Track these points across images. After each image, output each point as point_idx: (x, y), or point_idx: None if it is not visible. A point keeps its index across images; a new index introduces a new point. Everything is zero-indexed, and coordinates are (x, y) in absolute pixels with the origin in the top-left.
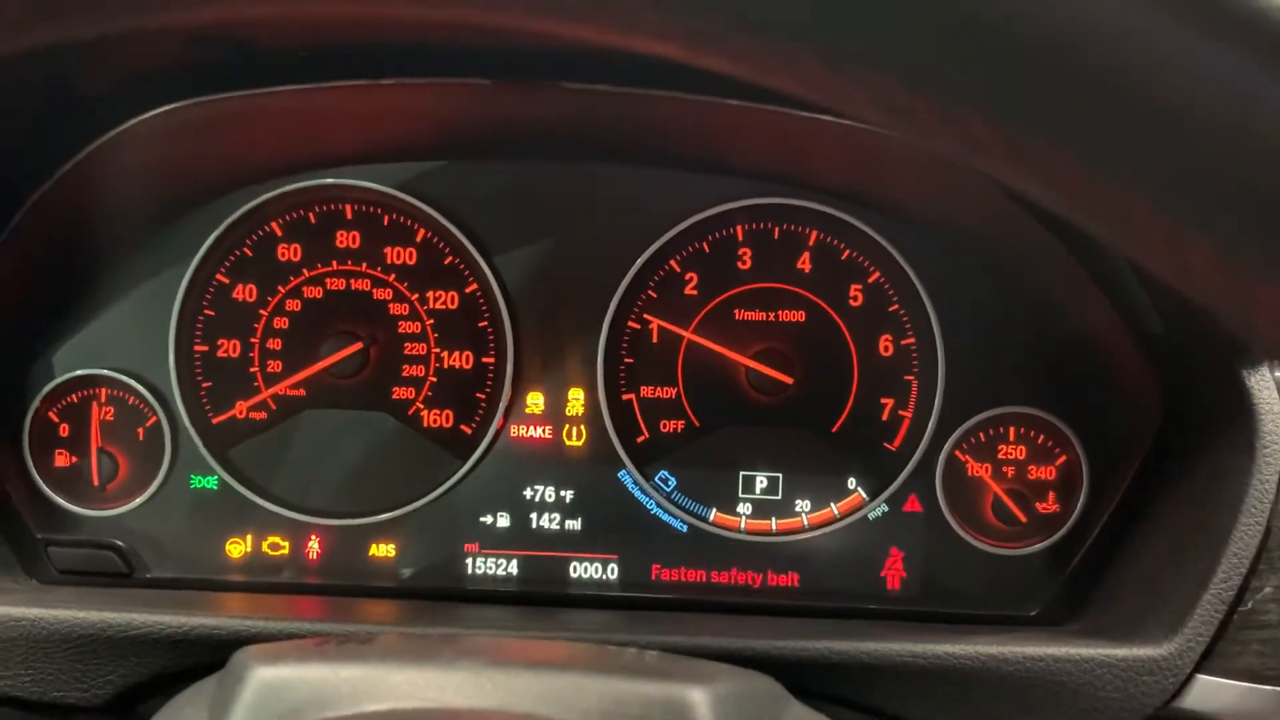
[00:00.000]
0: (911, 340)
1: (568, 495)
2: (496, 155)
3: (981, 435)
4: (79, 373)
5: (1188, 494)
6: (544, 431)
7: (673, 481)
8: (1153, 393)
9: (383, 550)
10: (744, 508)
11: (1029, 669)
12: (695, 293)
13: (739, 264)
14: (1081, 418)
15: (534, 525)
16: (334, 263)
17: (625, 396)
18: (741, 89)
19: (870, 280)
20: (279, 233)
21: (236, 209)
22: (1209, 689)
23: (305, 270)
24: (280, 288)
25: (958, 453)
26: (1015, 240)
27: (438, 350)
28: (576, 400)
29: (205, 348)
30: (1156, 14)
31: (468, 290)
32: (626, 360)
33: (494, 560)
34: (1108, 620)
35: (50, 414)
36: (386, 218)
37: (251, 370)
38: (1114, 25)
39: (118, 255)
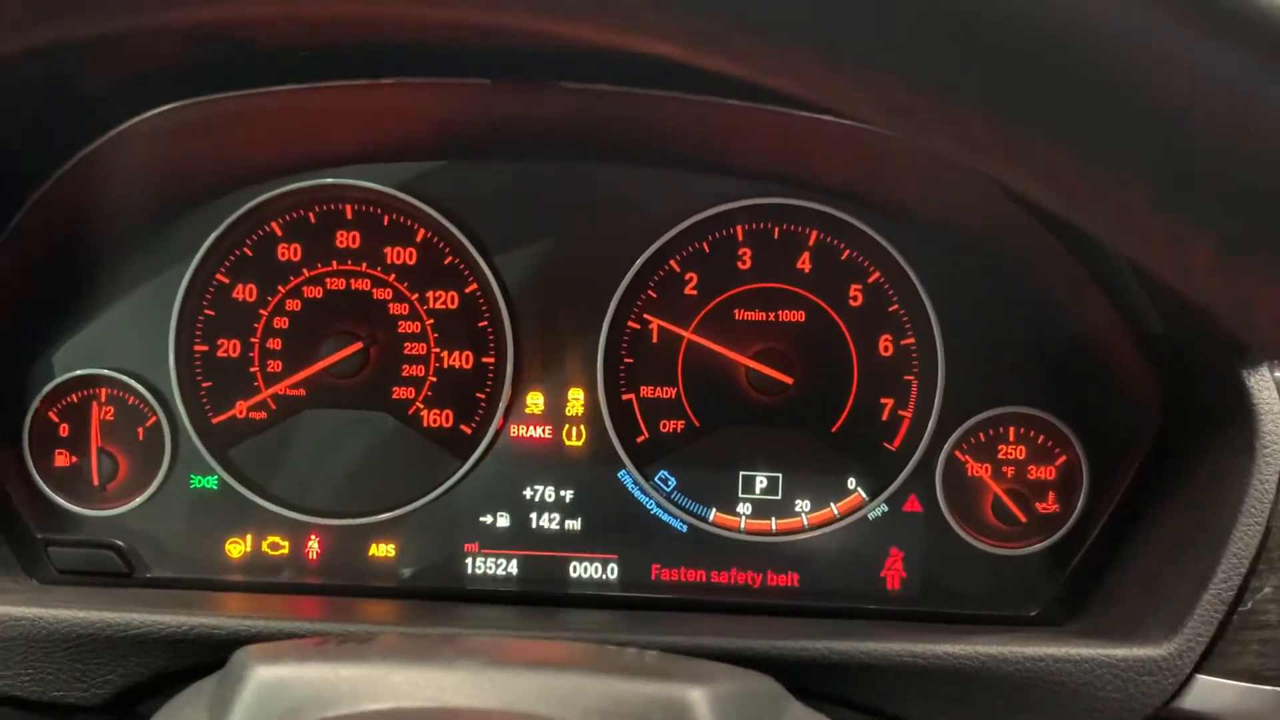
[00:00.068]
0: (911, 340)
1: (567, 495)
2: (496, 155)
3: (981, 435)
4: (79, 372)
5: (1188, 494)
6: (544, 431)
7: (672, 481)
8: (1153, 393)
9: (383, 550)
10: (744, 508)
11: (1029, 669)
12: (695, 293)
13: (739, 264)
14: (1081, 418)
15: (534, 525)
16: (334, 262)
17: (625, 396)
18: (742, 89)
19: (870, 280)
20: (279, 232)
21: (236, 209)
22: (1209, 689)
23: (305, 270)
24: (280, 287)
25: (958, 453)
26: (1015, 240)
27: (437, 350)
28: (576, 400)
29: (205, 347)
30: (1156, 14)
31: (468, 290)
32: (626, 360)
33: (494, 560)
34: (1108, 620)
35: (50, 414)
36: (386, 217)
37: (251, 370)
38: (1114, 25)
39: (118, 255)
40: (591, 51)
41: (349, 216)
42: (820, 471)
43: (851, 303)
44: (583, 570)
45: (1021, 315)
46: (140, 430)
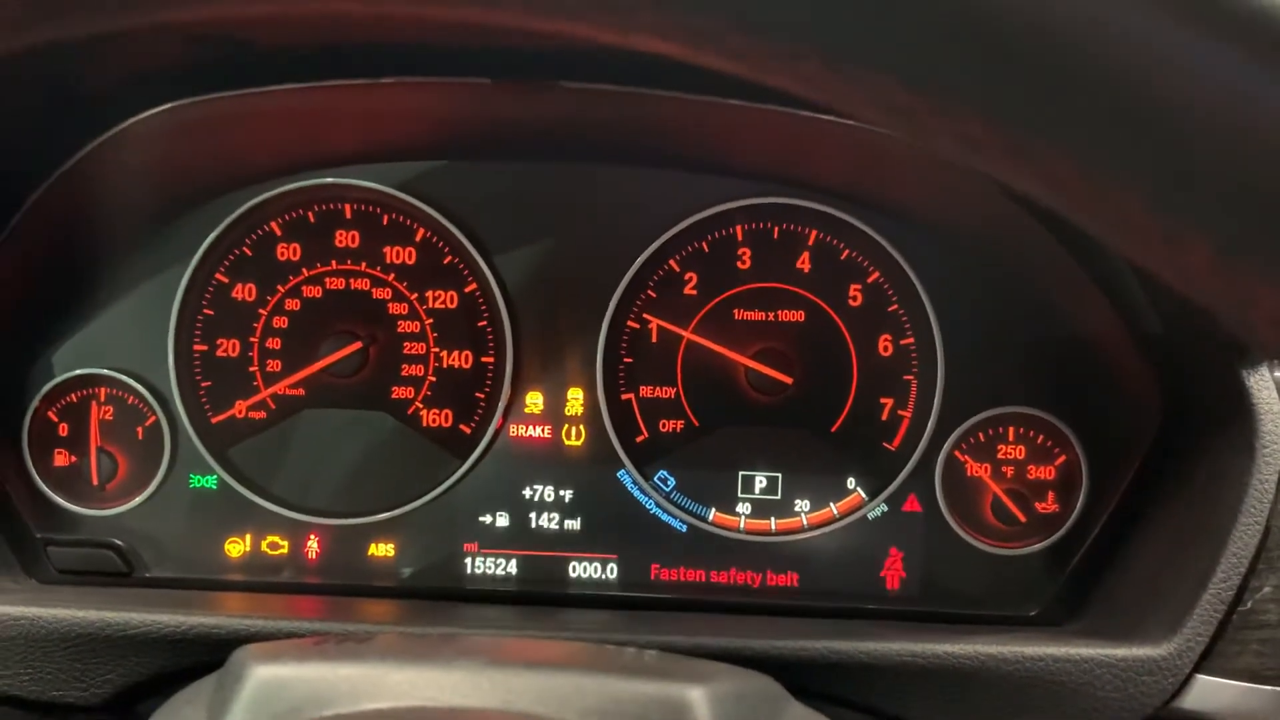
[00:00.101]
0: (911, 340)
1: (567, 495)
2: (496, 155)
3: (981, 435)
4: (78, 372)
5: (1187, 494)
6: (543, 431)
7: (672, 481)
8: (1152, 393)
9: (382, 550)
10: (743, 507)
11: (1028, 669)
12: (695, 292)
13: (738, 264)
14: (1081, 418)
15: (533, 525)
16: (333, 262)
17: (624, 396)
18: (742, 89)
19: (870, 280)
20: (278, 232)
21: (236, 209)
22: (1208, 689)
23: (304, 270)
24: (279, 287)
25: (957, 453)
26: (1015, 240)
27: (437, 350)
28: (576, 400)
29: (204, 347)
30: (1156, 14)
31: (467, 290)
32: (626, 360)
33: (493, 560)
34: (1107, 620)
35: (50, 413)
36: (386, 217)
37: (251, 370)
38: (1114, 25)
39: (117, 255)
40: (591, 51)
41: (348, 216)
42: (820, 471)
43: (851, 302)
44: (582, 570)
45: (1021, 315)
46: (139, 430)
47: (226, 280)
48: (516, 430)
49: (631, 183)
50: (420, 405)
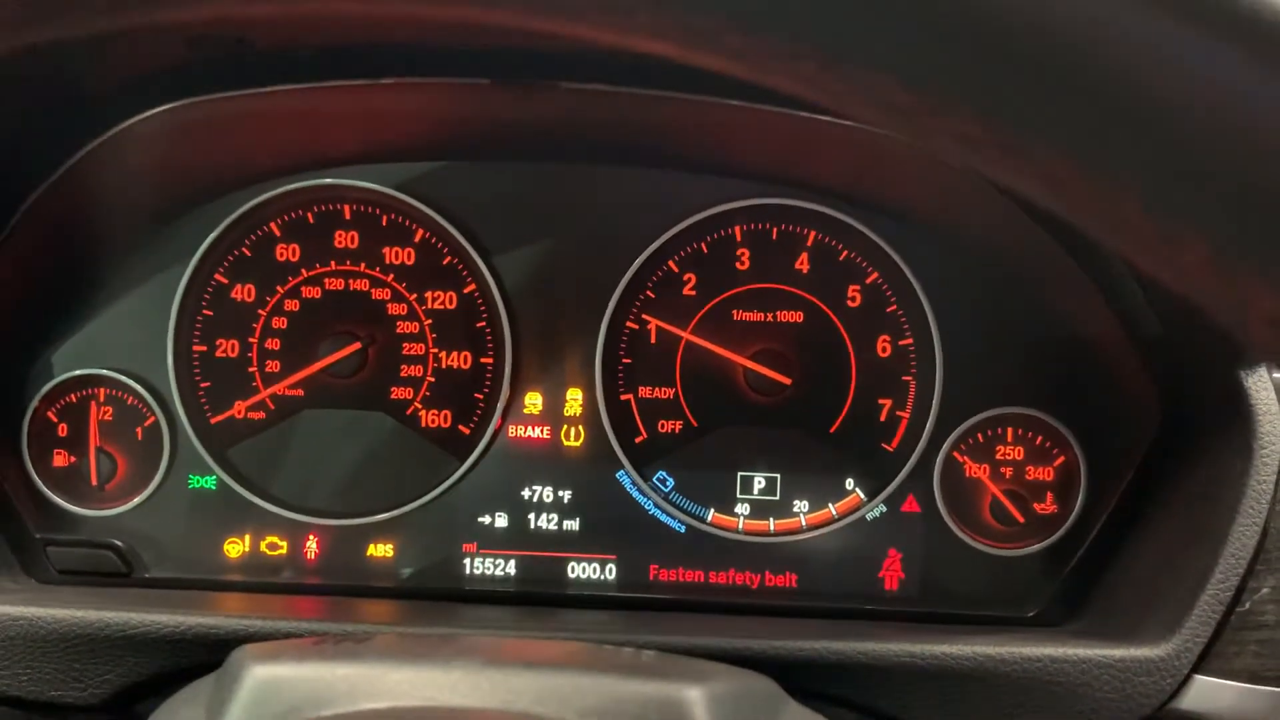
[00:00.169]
0: (909, 341)
1: (566, 495)
2: (495, 155)
3: (979, 436)
4: (78, 372)
5: (1186, 495)
6: (542, 432)
7: (671, 482)
8: (1151, 394)
9: (381, 550)
10: (742, 508)
11: (1027, 669)
12: (693, 293)
13: (737, 264)
14: (1080, 419)
15: (532, 525)
16: (332, 263)
17: (623, 397)
18: (741, 89)
19: (868, 281)
20: (277, 233)
21: (235, 209)
22: (1207, 690)
23: (304, 270)
24: (279, 288)
25: (956, 453)
26: (1014, 241)
27: (436, 350)
28: (575, 400)
29: (204, 348)
30: (1156, 14)
31: (466, 290)
32: (625, 360)
33: (492, 560)
34: (1105, 621)
35: (49, 414)
36: (385, 218)
37: (250, 370)
38: (1113, 25)
39: (117, 255)
40: (591, 52)
41: (347, 217)
42: (818, 472)
43: (850, 303)
44: (581, 570)
45: (1020, 316)
46: (139, 430)
47: (226, 281)
48: (515, 431)
49: (631, 183)
50: (419, 406)
